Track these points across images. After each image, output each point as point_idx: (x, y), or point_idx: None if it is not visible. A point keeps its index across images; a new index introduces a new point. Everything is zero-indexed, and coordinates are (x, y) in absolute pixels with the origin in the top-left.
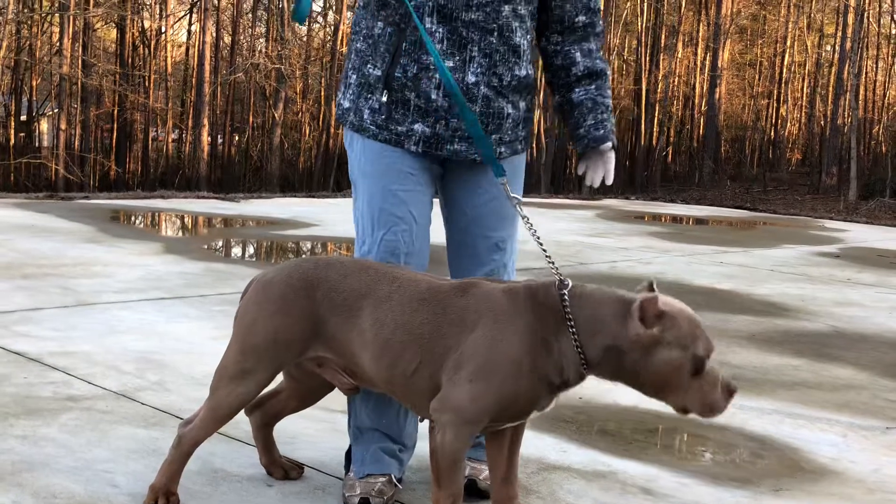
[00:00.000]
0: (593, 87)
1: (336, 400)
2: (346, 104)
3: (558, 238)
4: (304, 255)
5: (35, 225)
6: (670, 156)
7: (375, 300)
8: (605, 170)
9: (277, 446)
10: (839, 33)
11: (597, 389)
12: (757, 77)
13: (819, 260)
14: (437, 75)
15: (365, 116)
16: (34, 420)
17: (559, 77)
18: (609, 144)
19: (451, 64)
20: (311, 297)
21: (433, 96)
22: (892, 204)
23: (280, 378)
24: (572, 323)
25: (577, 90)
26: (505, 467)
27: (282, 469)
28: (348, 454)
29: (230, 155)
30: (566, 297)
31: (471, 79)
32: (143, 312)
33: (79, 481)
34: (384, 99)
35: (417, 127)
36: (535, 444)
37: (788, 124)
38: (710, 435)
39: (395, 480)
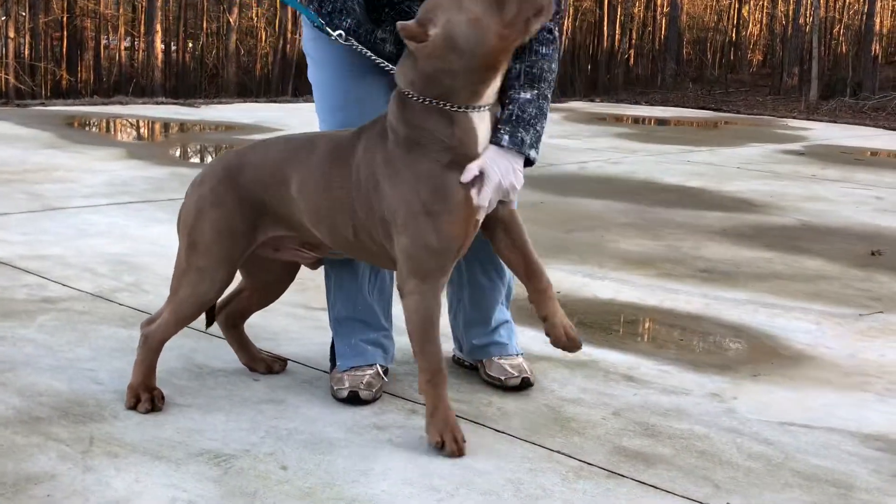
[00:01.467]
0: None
1: (316, 298)
2: None
3: None
4: None
5: None
6: (632, 58)
7: (297, 167)
8: (501, 184)
9: (255, 344)
10: None
11: (574, 283)
12: None
13: (784, 157)
14: None
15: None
16: (11, 322)
17: None
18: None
19: None
20: (239, 183)
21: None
22: (852, 103)
23: (239, 278)
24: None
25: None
26: (522, 261)
27: (264, 363)
28: (332, 349)
29: (185, 62)
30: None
31: None
32: (112, 216)
33: (62, 380)
34: None
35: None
36: (518, 338)
37: (750, 25)
38: (687, 325)
39: (381, 372)
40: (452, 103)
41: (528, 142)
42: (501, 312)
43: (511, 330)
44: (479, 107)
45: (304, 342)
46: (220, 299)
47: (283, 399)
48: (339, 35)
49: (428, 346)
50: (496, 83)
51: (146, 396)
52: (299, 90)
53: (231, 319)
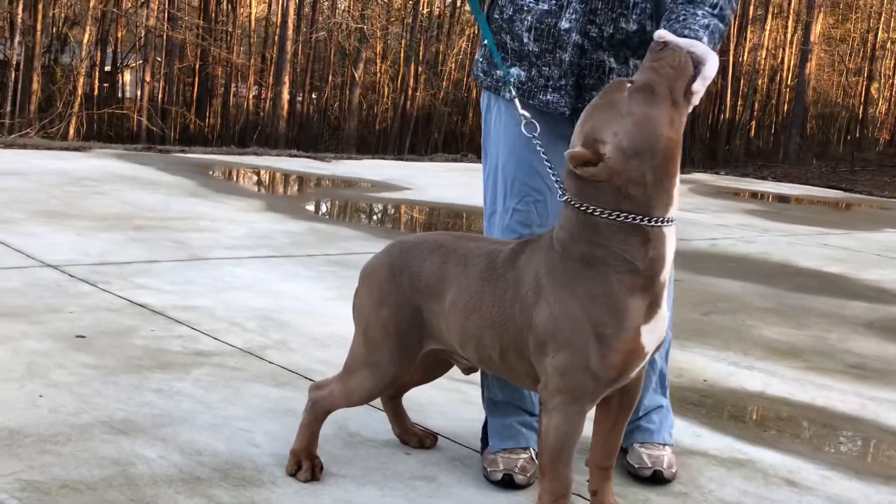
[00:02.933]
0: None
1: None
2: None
3: None
4: (399, 220)
5: (138, 177)
6: (753, 130)
7: (448, 283)
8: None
9: (408, 414)
10: None
11: (720, 372)
12: (848, 53)
13: None
14: (530, 16)
15: (478, 66)
16: (168, 374)
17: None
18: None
19: (545, 7)
20: (399, 285)
21: (525, 39)
22: None
23: None
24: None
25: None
26: (611, 429)
27: (416, 437)
28: (484, 429)
29: (309, 113)
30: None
31: (563, 25)
32: (255, 269)
33: (220, 439)
34: (485, 41)
35: (514, 70)
36: (672, 428)
37: (878, 103)
38: (843, 426)
39: (534, 456)
40: (649, 217)
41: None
42: (651, 399)
43: (664, 417)
44: (671, 220)
45: (452, 416)
46: None
47: (436, 476)
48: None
49: (560, 468)
50: (678, 181)
51: (307, 465)
52: (415, 147)
53: (392, 391)
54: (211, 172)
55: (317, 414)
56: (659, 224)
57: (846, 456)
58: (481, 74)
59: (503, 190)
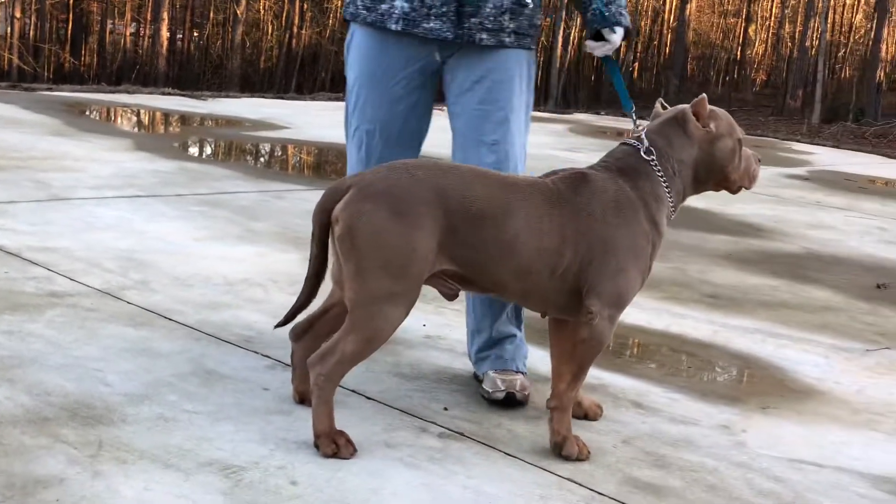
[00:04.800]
0: None
1: None
2: None
3: (531, 151)
4: (275, 159)
5: (1, 115)
6: (636, 71)
7: (502, 208)
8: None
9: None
10: None
11: None
12: None
13: (789, 182)
14: None
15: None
16: (19, 315)
17: None
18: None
19: None
20: (444, 207)
21: None
22: (854, 129)
23: (326, 294)
24: (664, 180)
25: None
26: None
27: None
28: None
29: (189, 51)
30: (653, 161)
31: None
32: (119, 210)
33: (70, 379)
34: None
35: (398, 3)
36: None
37: (756, 44)
38: (695, 352)
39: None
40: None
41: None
42: (505, 325)
43: (517, 346)
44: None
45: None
46: (315, 311)
47: (292, 411)
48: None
49: (590, 366)
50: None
51: (343, 440)
52: (301, 87)
53: (314, 341)
54: (81, 112)
55: (330, 388)
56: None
57: (694, 379)
58: (364, 11)
59: (353, 110)
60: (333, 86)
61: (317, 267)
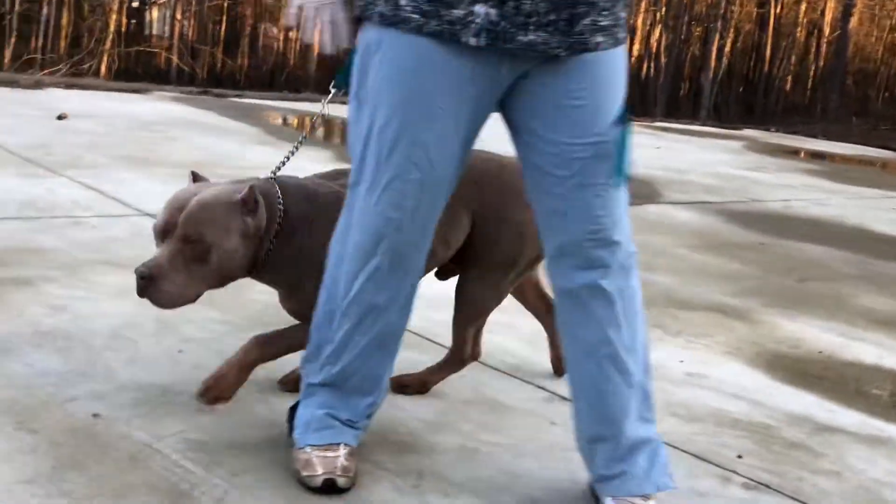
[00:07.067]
0: None
1: None
2: None
3: (717, 170)
4: None
5: (201, 121)
6: (788, 85)
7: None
8: None
9: None
10: None
11: (832, 343)
12: (891, 7)
13: None
14: None
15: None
16: None
17: None
18: None
19: None
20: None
21: None
22: None
23: None
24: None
25: None
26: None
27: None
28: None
29: (339, 55)
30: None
31: None
32: None
33: None
34: None
35: (479, 8)
36: (798, 400)
37: None
38: None
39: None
40: None
41: None
42: (636, 427)
43: (655, 455)
44: None
45: None
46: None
47: None
48: None
49: None
50: None
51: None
52: None
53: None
54: (275, 119)
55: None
56: None
57: None
58: (415, 15)
59: (389, 153)
60: None
61: None
